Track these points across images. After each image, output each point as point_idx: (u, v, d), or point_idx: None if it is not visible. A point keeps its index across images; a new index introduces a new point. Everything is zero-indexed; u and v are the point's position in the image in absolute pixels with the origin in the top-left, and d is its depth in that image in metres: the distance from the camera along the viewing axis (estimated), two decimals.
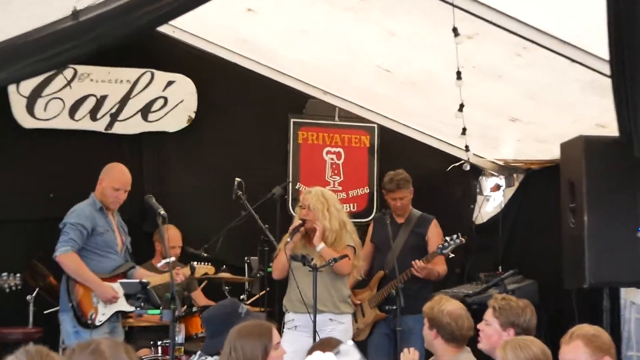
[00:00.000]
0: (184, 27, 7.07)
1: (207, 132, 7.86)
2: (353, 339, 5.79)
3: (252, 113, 7.96)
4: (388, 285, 6.62)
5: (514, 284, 6.79)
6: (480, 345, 4.56)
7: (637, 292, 6.35)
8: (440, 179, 8.05)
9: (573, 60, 5.12)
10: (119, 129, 7.60)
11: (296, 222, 6.21)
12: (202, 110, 7.78)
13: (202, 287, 7.33)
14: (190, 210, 7.62)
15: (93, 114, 7.53)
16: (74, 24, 4.38)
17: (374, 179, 8.27)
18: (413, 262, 6.49)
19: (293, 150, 8.13)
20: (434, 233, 6.82)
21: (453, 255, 6.67)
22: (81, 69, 7.41)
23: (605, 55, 4.47)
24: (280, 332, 5.72)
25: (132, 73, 7.63)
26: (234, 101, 7.94)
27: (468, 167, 6.63)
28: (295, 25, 6.23)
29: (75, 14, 4.37)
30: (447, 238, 6.44)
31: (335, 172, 8.23)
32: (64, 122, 7.46)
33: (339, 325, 6.08)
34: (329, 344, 4.34)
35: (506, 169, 7.89)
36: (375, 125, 8.15)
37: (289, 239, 6.08)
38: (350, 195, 8.23)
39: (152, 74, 7.67)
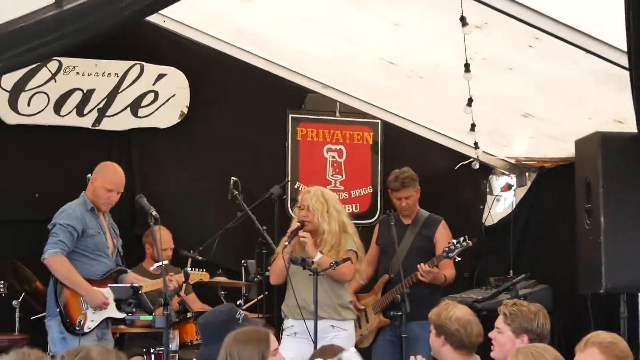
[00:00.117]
0: (175, 17, 7.07)
1: (200, 128, 7.84)
2: (356, 347, 5.79)
3: (248, 108, 7.94)
4: (393, 289, 6.62)
5: (526, 288, 6.77)
6: (493, 354, 4.56)
7: None
8: (448, 178, 8.05)
9: (589, 52, 5.11)
10: (107, 125, 7.58)
11: (294, 224, 6.21)
12: (195, 105, 7.75)
13: (194, 282, 7.26)
14: (183, 211, 7.61)
15: (80, 109, 7.51)
16: (58, 12, 4.38)
17: (377, 178, 8.24)
18: (418, 266, 6.50)
19: (292, 147, 8.12)
20: (442, 235, 6.81)
21: (459, 258, 6.67)
22: (66, 61, 7.38)
23: (623, 45, 4.47)
24: (279, 338, 5.73)
25: (120, 66, 7.60)
26: (228, 95, 7.93)
27: (477, 166, 6.66)
28: (293, 15, 6.23)
29: (59, 1, 4.36)
30: (454, 241, 6.43)
31: (337, 170, 8.22)
32: (49, 118, 7.44)
33: (342, 332, 6.08)
34: (330, 351, 4.35)
35: (517, 168, 7.90)
36: (379, 121, 8.14)
37: (287, 243, 6.10)
38: (352, 195, 8.22)
39: (142, 67, 7.63)
